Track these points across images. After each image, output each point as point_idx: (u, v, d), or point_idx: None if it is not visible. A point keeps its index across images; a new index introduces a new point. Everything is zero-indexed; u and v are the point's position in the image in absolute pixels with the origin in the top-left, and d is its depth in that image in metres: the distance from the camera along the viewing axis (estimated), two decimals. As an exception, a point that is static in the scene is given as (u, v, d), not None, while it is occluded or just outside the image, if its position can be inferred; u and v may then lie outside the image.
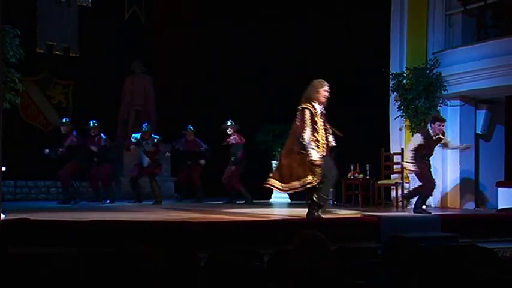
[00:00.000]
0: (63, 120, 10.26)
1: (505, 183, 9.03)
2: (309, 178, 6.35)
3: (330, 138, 6.59)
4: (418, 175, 7.94)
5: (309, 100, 6.44)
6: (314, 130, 6.35)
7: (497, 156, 9.69)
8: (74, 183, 10.02)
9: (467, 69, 9.11)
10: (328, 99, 6.48)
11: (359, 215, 7.02)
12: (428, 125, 7.94)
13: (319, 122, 6.42)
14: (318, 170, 6.32)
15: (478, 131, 9.91)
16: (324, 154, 6.44)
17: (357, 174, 9.70)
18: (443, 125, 7.83)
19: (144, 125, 10.62)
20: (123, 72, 12.41)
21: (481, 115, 9.91)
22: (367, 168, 9.69)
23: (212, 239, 5.58)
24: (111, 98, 12.23)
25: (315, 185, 6.41)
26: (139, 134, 10.49)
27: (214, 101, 12.18)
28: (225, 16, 12.28)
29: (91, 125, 10.21)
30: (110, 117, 12.08)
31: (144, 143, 10.35)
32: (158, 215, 7.66)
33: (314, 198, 6.55)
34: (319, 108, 6.46)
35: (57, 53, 12.12)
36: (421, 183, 7.98)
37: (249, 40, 11.93)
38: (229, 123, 10.61)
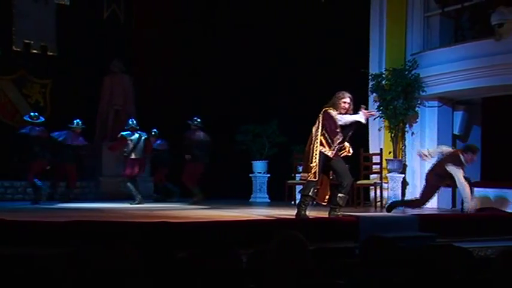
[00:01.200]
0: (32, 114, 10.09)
1: (481, 183, 9.15)
2: (305, 174, 6.81)
3: (347, 144, 6.97)
4: (426, 187, 7.98)
5: (330, 106, 6.88)
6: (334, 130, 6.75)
7: (473, 156, 9.81)
8: (38, 182, 9.78)
9: (444, 70, 9.22)
10: (348, 107, 6.88)
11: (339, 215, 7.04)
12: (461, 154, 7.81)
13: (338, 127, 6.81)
14: (314, 168, 6.68)
15: (455, 132, 10.05)
16: (333, 156, 6.76)
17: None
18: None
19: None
20: (102, 72, 12.30)
21: (458, 116, 10.04)
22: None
23: (191, 239, 5.57)
24: (89, 97, 12.11)
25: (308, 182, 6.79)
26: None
27: (194, 101, 12.14)
28: (205, 16, 12.25)
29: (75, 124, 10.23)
30: (89, 117, 11.96)
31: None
32: (137, 215, 7.62)
33: (304, 195, 6.86)
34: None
35: (35, 51, 11.97)
36: (418, 197, 8.08)
37: (228, 41, 11.92)
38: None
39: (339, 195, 6.83)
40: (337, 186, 6.99)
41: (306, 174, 6.83)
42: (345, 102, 6.83)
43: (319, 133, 6.76)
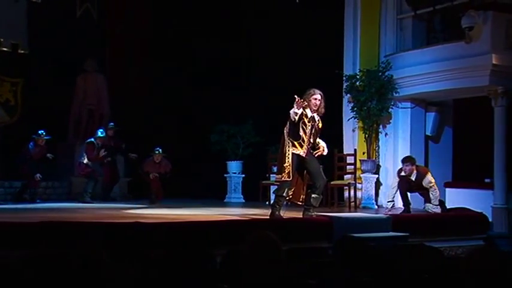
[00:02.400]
0: None
1: (453, 183, 9.30)
2: (279, 176, 6.88)
3: (322, 144, 7.02)
4: None
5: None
6: (302, 129, 6.79)
7: (445, 157, 9.97)
8: None
9: (417, 72, 9.33)
10: (322, 106, 6.98)
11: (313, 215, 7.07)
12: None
13: (308, 125, 6.84)
14: (287, 168, 6.74)
15: (428, 133, 10.18)
16: (305, 155, 6.81)
17: (310, 175, 9.78)
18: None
19: (99, 131, 10.56)
20: (75, 71, 12.13)
21: (431, 117, 10.18)
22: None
23: (164, 240, 5.54)
24: (62, 96, 11.93)
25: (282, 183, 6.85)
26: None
27: (168, 101, 12.08)
28: (181, 14, 12.18)
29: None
30: (62, 116, 11.80)
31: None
32: (110, 215, 7.54)
33: (278, 195, 6.88)
34: (310, 113, 6.88)
35: (5, 49, 11.72)
36: None
37: (203, 39, 11.88)
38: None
39: (313, 195, 6.86)
40: (310, 186, 7.02)
41: (280, 176, 6.87)
42: (315, 99, 6.88)
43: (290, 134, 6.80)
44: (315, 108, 6.89)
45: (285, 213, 6.94)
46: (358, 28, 10.14)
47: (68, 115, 12.16)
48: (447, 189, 9.24)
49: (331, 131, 10.45)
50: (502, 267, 2.08)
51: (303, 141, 6.79)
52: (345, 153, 10.07)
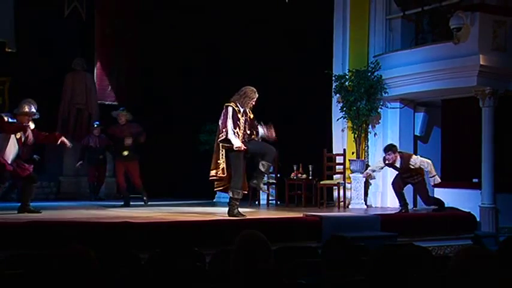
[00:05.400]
0: None
1: (441, 183, 9.33)
2: (214, 171, 7.21)
3: (260, 130, 7.34)
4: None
5: (234, 101, 7.24)
6: (236, 125, 7.11)
7: (434, 157, 9.98)
8: None
9: (406, 72, 9.38)
10: (258, 101, 7.34)
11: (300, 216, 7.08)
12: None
13: (241, 119, 7.17)
14: (222, 164, 7.11)
15: (417, 133, 10.25)
16: (242, 147, 7.09)
17: (300, 175, 9.81)
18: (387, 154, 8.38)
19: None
20: (64, 69, 12.06)
21: (419, 117, 10.25)
22: (310, 169, 9.82)
23: (154, 240, 5.53)
24: (50, 95, 11.85)
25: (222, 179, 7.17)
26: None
27: (156, 101, 12.04)
28: (168, 14, 12.15)
29: None
30: (50, 115, 11.71)
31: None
32: (99, 215, 7.51)
33: (230, 195, 7.13)
34: (241, 108, 7.22)
35: (-8, 48, 11.63)
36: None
37: (191, 40, 11.86)
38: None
39: (261, 162, 7.11)
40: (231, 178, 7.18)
41: (214, 171, 7.07)
42: (253, 101, 7.23)
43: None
44: (249, 107, 7.20)
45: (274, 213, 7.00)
46: (347, 28, 10.17)
47: (55, 114, 12.09)
48: (436, 189, 9.29)
49: (321, 131, 10.50)
50: (489, 266, 2.09)
51: (238, 135, 7.06)
52: (334, 153, 10.10)
